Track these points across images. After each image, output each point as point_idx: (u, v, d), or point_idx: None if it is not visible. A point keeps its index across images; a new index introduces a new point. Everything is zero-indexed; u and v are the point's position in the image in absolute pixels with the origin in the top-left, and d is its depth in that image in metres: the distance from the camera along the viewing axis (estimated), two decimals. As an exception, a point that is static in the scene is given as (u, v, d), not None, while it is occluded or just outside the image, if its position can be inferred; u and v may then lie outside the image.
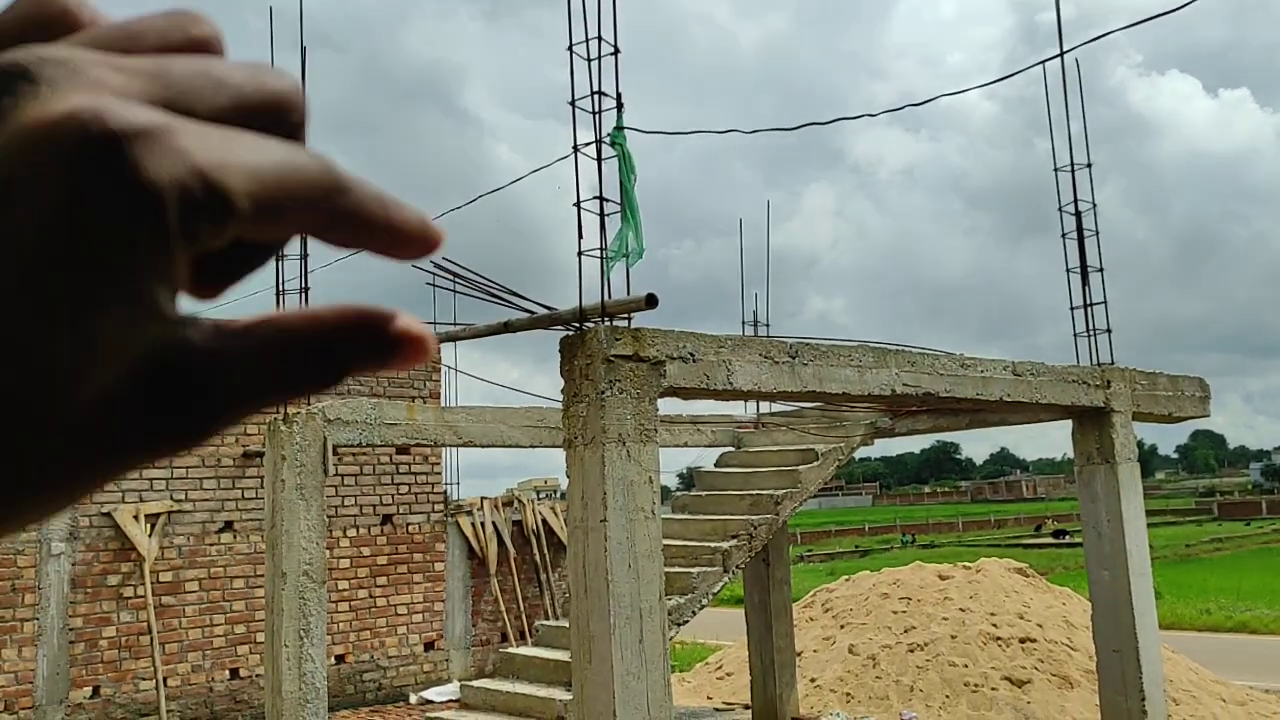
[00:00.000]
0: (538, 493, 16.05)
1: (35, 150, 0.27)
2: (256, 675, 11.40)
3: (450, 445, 10.20)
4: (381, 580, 12.82)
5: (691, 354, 5.63)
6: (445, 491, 13.72)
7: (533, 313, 5.81)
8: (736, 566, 8.24)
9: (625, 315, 5.49)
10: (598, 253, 5.61)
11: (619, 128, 5.63)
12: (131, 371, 0.28)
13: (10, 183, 0.27)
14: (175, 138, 0.28)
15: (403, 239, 0.32)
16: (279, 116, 0.31)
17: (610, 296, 5.50)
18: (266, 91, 0.31)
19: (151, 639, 10.79)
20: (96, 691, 10.74)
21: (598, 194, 5.57)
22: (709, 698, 12.69)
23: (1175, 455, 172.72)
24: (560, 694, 7.34)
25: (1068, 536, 47.75)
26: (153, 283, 0.28)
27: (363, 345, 0.31)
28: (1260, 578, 26.65)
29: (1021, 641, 11.57)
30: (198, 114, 0.29)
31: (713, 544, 8.23)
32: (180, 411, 0.29)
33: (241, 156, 0.29)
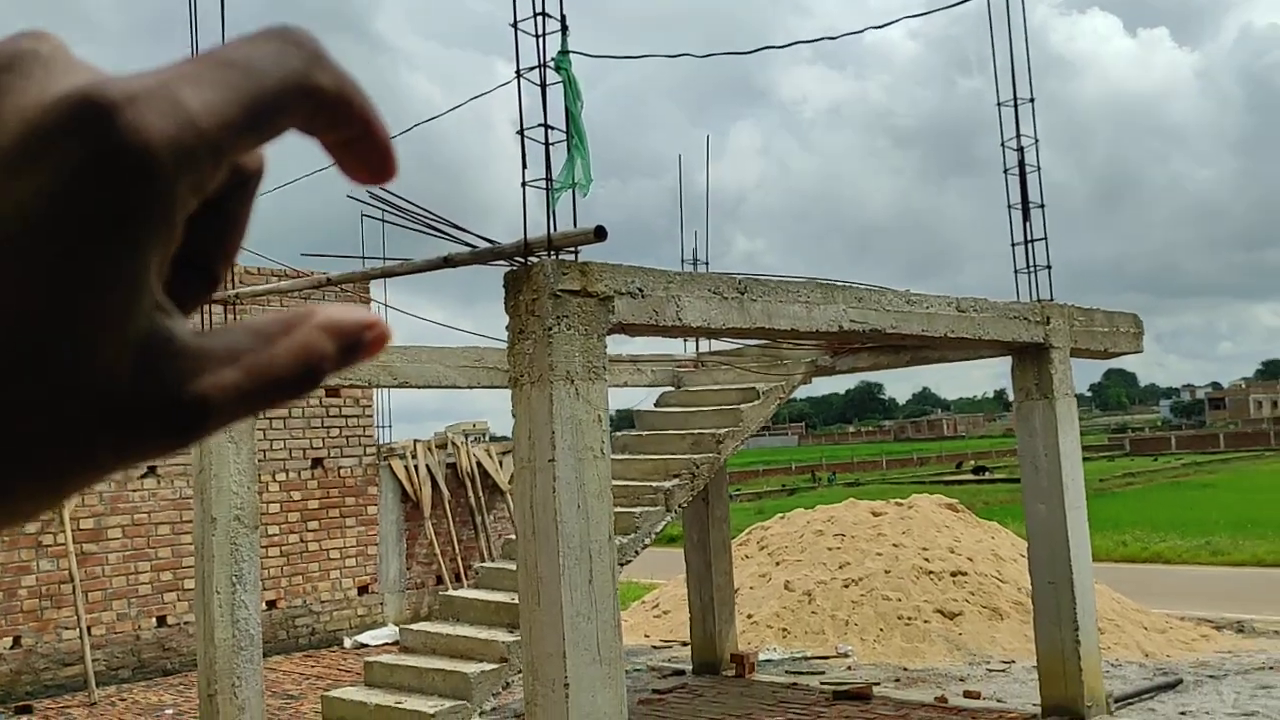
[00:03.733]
0: (467, 436, 15.79)
1: (39, 127, 0.28)
2: (186, 623, 11.11)
3: (385, 386, 9.94)
4: (313, 524, 12.57)
5: (640, 289, 5.48)
6: (376, 434, 13.46)
7: (474, 247, 5.59)
8: (679, 506, 8.18)
9: (572, 249, 5.32)
10: (543, 184, 5.41)
11: (564, 51, 5.40)
12: (125, 354, 0.28)
13: (16, 159, 0.27)
14: (169, 92, 0.28)
15: (372, 134, 0.33)
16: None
17: (556, 229, 5.31)
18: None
19: (74, 587, 10.44)
20: (18, 641, 10.39)
21: (542, 121, 5.34)
22: (646, 635, 12.74)
23: (1089, 393, 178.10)
24: (503, 635, 7.25)
25: (987, 473, 48.99)
26: (149, 260, 0.28)
27: (334, 346, 0.31)
28: (1171, 510, 27.58)
29: (953, 575, 11.78)
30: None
31: (655, 484, 8.15)
32: (173, 408, 0.29)
33: (224, 88, 0.29)
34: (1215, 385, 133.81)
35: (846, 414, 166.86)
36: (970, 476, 50.75)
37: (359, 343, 0.32)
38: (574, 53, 5.40)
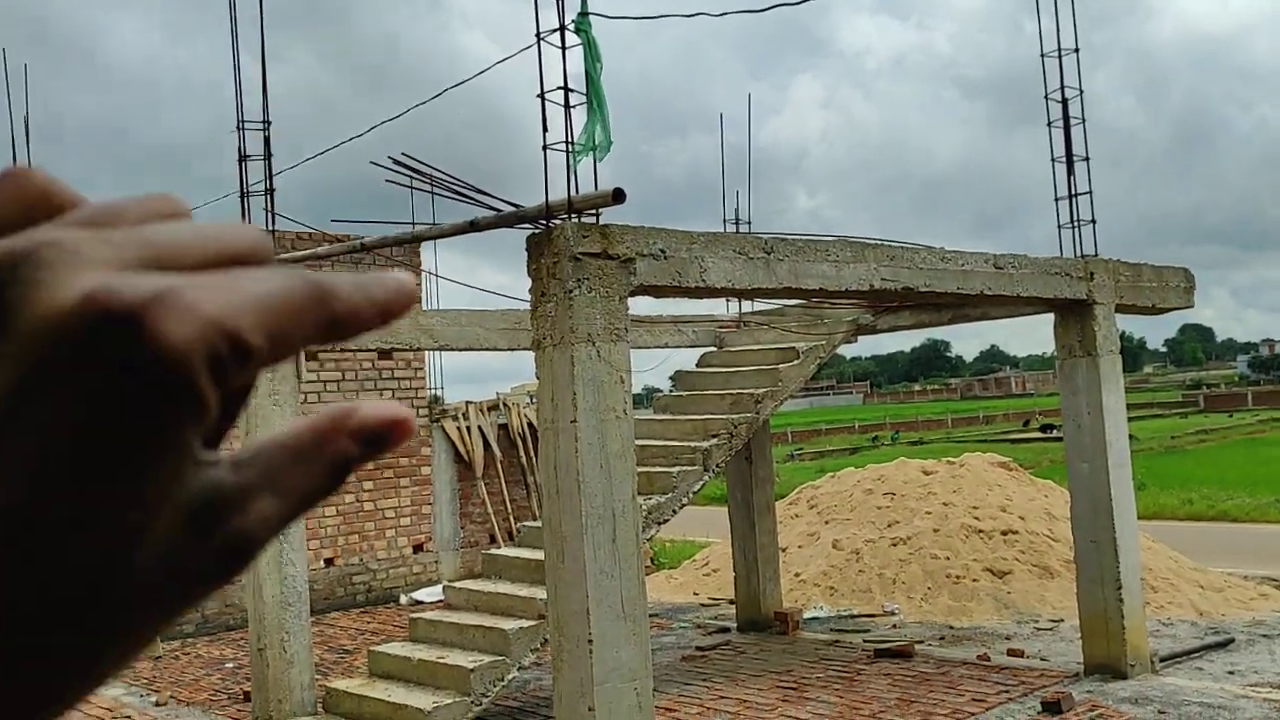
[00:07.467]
0: (531, 396, 15.95)
1: (60, 342, 0.28)
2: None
3: (426, 349, 10.09)
4: (368, 484, 12.85)
5: (663, 251, 5.49)
6: (430, 396, 13.68)
7: (499, 210, 5.65)
8: (717, 465, 8.22)
9: (593, 211, 5.34)
10: (564, 147, 5.43)
11: (584, 14, 5.40)
12: (178, 518, 0.29)
13: (43, 376, 0.28)
14: (183, 296, 0.29)
15: (391, 311, 0.33)
16: (251, 263, 0.32)
17: (577, 192, 5.34)
18: (239, 243, 0.32)
19: (138, 546, 10.82)
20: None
21: (562, 84, 5.36)
22: (695, 594, 12.87)
23: (1164, 349, 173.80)
24: (541, 593, 7.36)
25: (1055, 430, 48.16)
26: (191, 434, 0.29)
27: (360, 445, 0.32)
28: (1243, 468, 26.89)
29: (1003, 534, 11.68)
30: (185, 269, 0.31)
31: (693, 443, 8.20)
32: (223, 547, 0.30)
33: (244, 296, 0.30)
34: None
35: (912, 372, 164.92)
36: (1036, 434, 49.95)
37: (383, 439, 0.33)
38: (593, 14, 5.39)
